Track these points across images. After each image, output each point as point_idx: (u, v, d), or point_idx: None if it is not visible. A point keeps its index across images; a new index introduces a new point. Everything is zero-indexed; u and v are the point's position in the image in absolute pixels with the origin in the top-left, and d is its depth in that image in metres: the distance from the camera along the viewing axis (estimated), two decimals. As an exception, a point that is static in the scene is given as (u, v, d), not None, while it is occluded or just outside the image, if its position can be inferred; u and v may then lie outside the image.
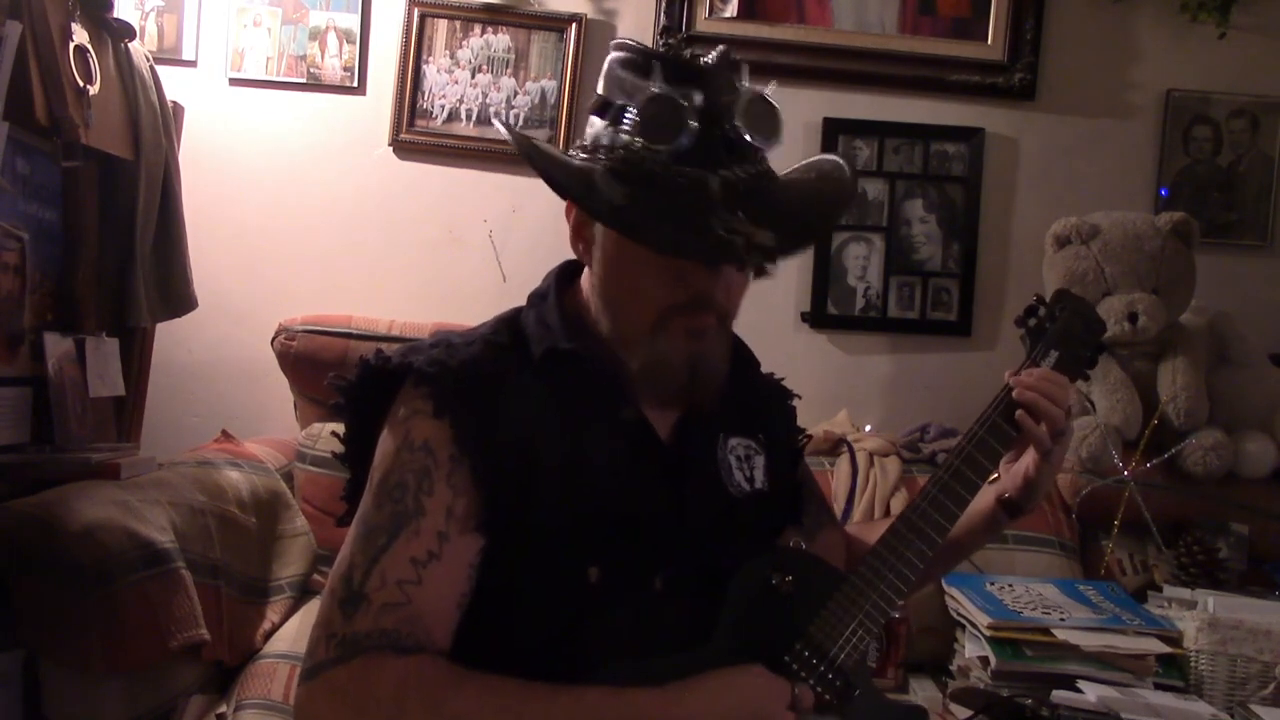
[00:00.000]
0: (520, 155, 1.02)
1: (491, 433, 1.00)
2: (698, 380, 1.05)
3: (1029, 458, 1.14)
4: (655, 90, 0.99)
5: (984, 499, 1.16)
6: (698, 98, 0.98)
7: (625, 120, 1.00)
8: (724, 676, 0.95)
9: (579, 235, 1.10)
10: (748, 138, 0.99)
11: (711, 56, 1.02)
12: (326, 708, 0.89)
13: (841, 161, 1.13)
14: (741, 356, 1.20)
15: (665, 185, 0.97)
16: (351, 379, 1.07)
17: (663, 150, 0.97)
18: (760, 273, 1.02)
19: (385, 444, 1.01)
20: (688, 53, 1.03)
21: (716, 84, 1.00)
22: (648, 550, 1.03)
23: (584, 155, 1.03)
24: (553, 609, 0.99)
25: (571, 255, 1.14)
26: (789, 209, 1.02)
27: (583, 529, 1.00)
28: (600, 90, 1.05)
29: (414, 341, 1.08)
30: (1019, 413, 1.11)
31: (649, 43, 2.33)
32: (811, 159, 1.17)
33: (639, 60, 1.03)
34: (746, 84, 1.02)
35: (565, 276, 1.15)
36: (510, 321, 1.12)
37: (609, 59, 1.06)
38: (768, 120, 1.01)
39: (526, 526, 0.99)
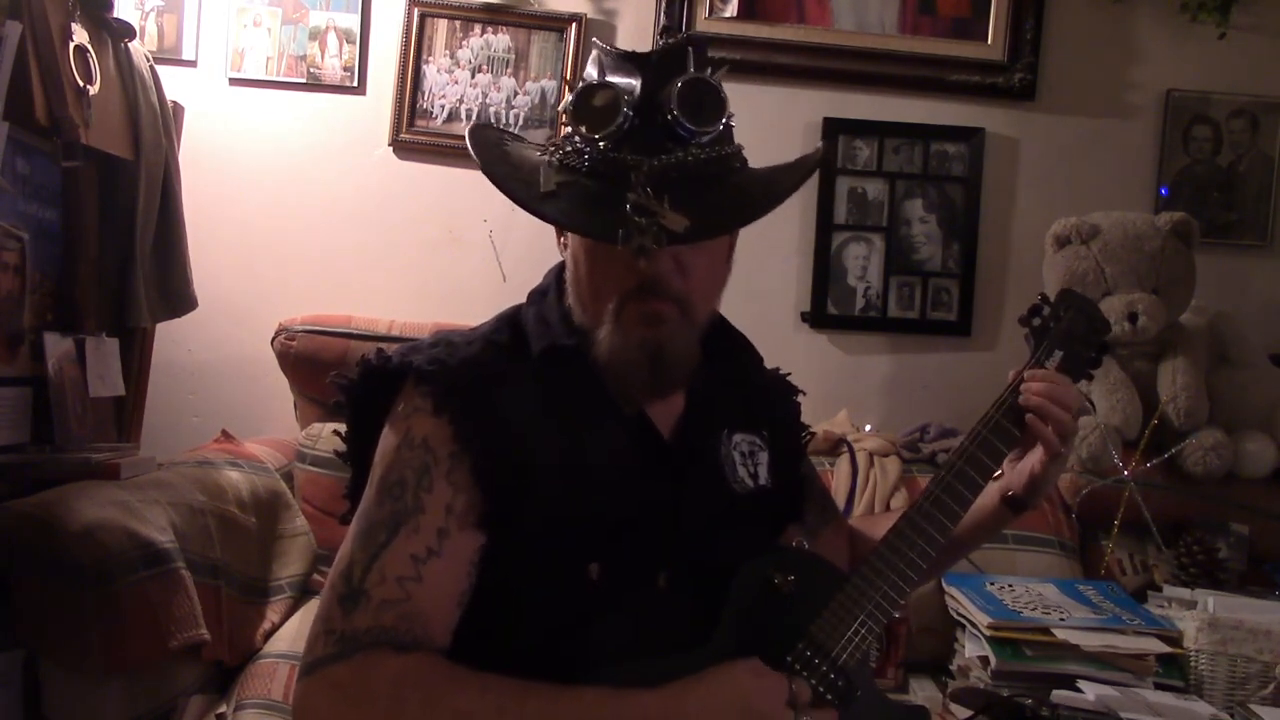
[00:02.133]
0: (483, 171, 1.04)
1: (491, 430, 1.00)
2: (658, 368, 1.04)
3: (1035, 456, 1.14)
4: (591, 81, 1.02)
5: (987, 496, 1.16)
6: (636, 86, 1.00)
7: (569, 112, 1.02)
8: (721, 673, 0.94)
9: (559, 231, 1.13)
10: (683, 122, 0.99)
11: (659, 46, 1.04)
12: (325, 704, 0.89)
13: (820, 146, 1.14)
14: (744, 352, 1.21)
15: (596, 171, 0.99)
16: (352, 378, 1.07)
17: (599, 137, 0.99)
18: (643, 251, 0.96)
19: (386, 442, 1.02)
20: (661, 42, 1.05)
21: (661, 72, 1.01)
22: (649, 547, 1.03)
23: (550, 150, 1.05)
24: (554, 606, 0.99)
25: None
26: (729, 194, 1.02)
27: (582, 526, 1.01)
28: None
29: (414, 341, 1.09)
30: (1030, 417, 1.11)
31: (649, 43, 2.34)
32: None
33: (597, 56, 1.06)
34: (692, 70, 1.02)
35: (565, 273, 1.15)
36: (510, 319, 1.13)
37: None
38: (703, 104, 1.00)
39: (527, 523, 0.99)
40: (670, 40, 1.06)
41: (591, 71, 1.05)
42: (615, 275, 1.02)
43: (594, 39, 1.12)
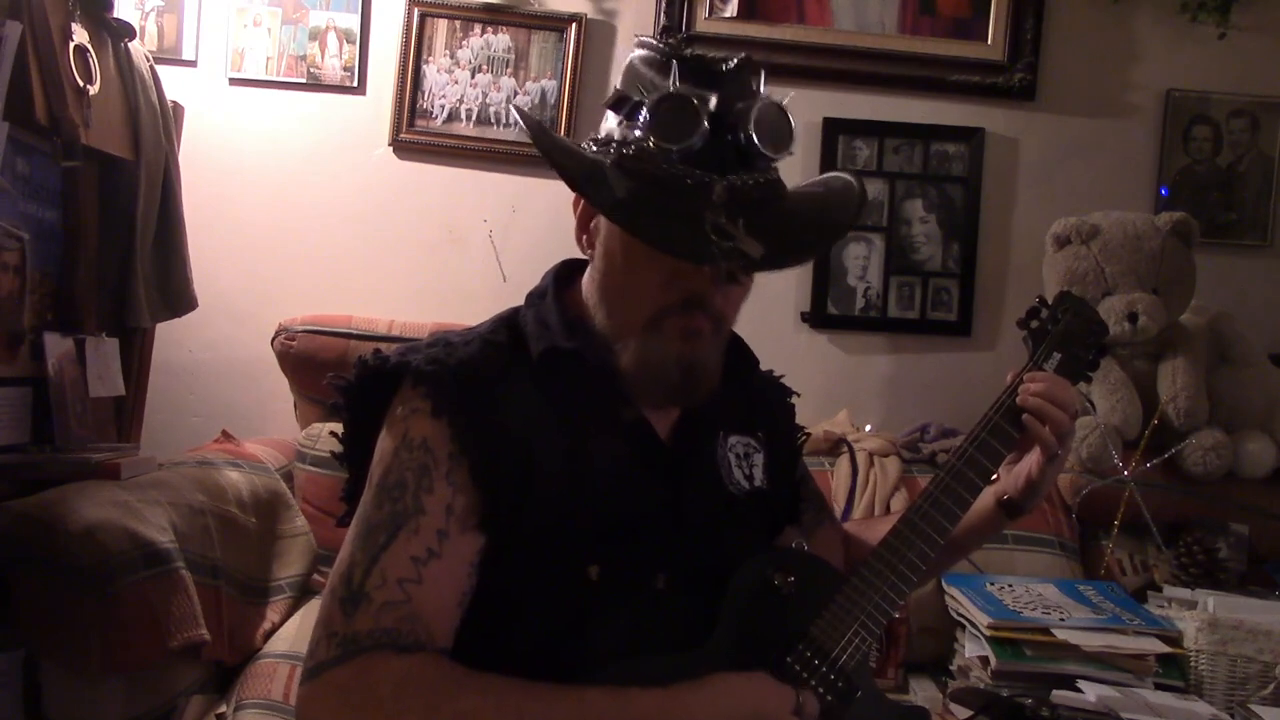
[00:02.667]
0: (531, 139, 1.02)
1: (490, 431, 0.99)
2: (688, 382, 1.04)
3: (1032, 459, 1.14)
4: (671, 89, 0.99)
5: (984, 499, 1.16)
6: (712, 100, 0.98)
7: (639, 117, 0.99)
8: (728, 680, 0.95)
9: (584, 228, 1.11)
10: (758, 145, 0.99)
11: (731, 60, 1.02)
12: (328, 707, 0.89)
13: (853, 181, 1.12)
14: (741, 354, 1.20)
15: (670, 184, 0.97)
16: (349, 379, 1.07)
17: (672, 149, 0.97)
18: (732, 278, 0.97)
19: (384, 443, 1.01)
20: (710, 54, 1.03)
21: (733, 88, 1.00)
22: (647, 549, 1.03)
23: (595, 149, 1.03)
24: (554, 608, 0.99)
25: (571, 255, 1.15)
26: (791, 224, 1.02)
27: (582, 528, 1.00)
28: (619, 86, 1.05)
29: (412, 342, 1.08)
30: (1027, 417, 1.11)
31: (649, 43, 2.33)
32: (824, 176, 1.17)
33: (660, 59, 1.02)
34: (764, 92, 1.02)
35: (563, 276, 1.15)
36: (508, 321, 1.12)
37: (631, 56, 1.06)
38: (780, 130, 1.00)
39: (526, 525, 0.99)
40: (736, 56, 1.03)
41: (647, 71, 1.02)
42: (657, 286, 1.01)
43: (639, 35, 1.09)
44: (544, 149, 1.01)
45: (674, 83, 0.99)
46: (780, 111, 1.01)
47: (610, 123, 1.05)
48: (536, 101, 2.35)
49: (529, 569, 0.99)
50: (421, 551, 0.94)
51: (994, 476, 1.15)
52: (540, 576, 1.00)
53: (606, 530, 1.01)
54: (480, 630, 0.98)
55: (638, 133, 0.99)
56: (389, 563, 0.93)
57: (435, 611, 0.94)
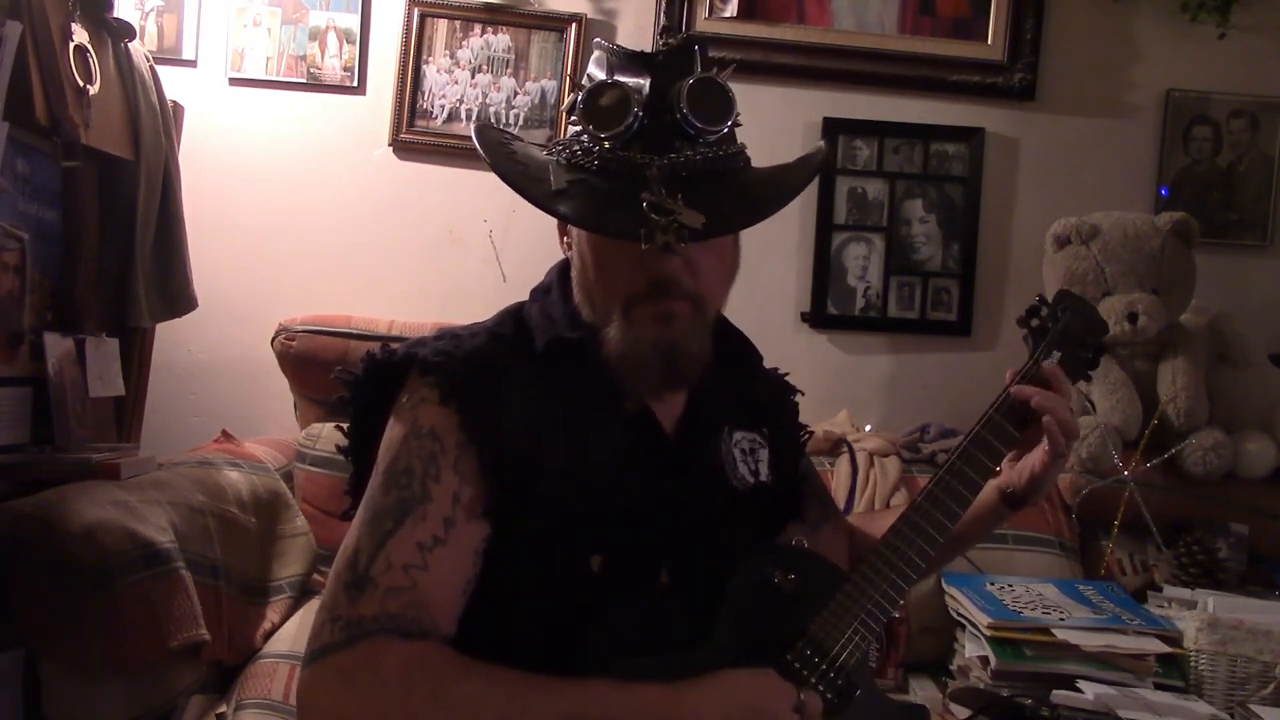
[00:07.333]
0: (487, 161, 1.05)
1: (498, 421, 1.00)
2: (671, 366, 1.04)
3: (1037, 456, 1.14)
4: (600, 80, 1.02)
5: (987, 492, 1.16)
6: (645, 86, 1.00)
7: (579, 111, 1.02)
8: (731, 677, 0.95)
9: (562, 230, 1.14)
10: (693, 120, 1.00)
11: (664, 45, 1.04)
12: (331, 691, 0.89)
13: (822, 145, 1.15)
14: (745, 351, 1.21)
15: (607, 170, 0.99)
16: (357, 373, 1.07)
17: (608, 137, 0.99)
18: (668, 247, 0.95)
19: (392, 431, 1.02)
20: (663, 43, 1.05)
21: (669, 72, 1.01)
22: (650, 542, 1.04)
23: (557, 149, 1.06)
24: (557, 599, 1.00)
25: (570, 255, 1.16)
26: (739, 191, 1.03)
27: (585, 519, 1.01)
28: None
29: (418, 337, 1.09)
30: (1047, 419, 1.10)
31: (649, 43, 2.34)
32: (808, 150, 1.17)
33: (603, 57, 1.06)
34: (699, 70, 1.03)
35: (568, 271, 1.15)
36: (514, 315, 1.14)
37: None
38: (714, 103, 1.01)
39: (530, 515, 0.99)
40: (674, 40, 1.07)
41: (596, 71, 1.06)
42: (624, 274, 1.02)
43: (596, 38, 1.12)
44: (484, 152, 1.05)
45: (607, 74, 1.02)
46: (712, 84, 1.02)
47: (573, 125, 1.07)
48: (537, 101, 2.35)
49: (532, 559, 1.00)
50: (428, 539, 0.94)
51: (996, 471, 1.16)
52: (543, 567, 1.00)
53: (609, 522, 1.02)
54: (483, 620, 0.98)
55: (578, 127, 1.02)
56: (395, 549, 0.93)
57: (440, 599, 0.94)
